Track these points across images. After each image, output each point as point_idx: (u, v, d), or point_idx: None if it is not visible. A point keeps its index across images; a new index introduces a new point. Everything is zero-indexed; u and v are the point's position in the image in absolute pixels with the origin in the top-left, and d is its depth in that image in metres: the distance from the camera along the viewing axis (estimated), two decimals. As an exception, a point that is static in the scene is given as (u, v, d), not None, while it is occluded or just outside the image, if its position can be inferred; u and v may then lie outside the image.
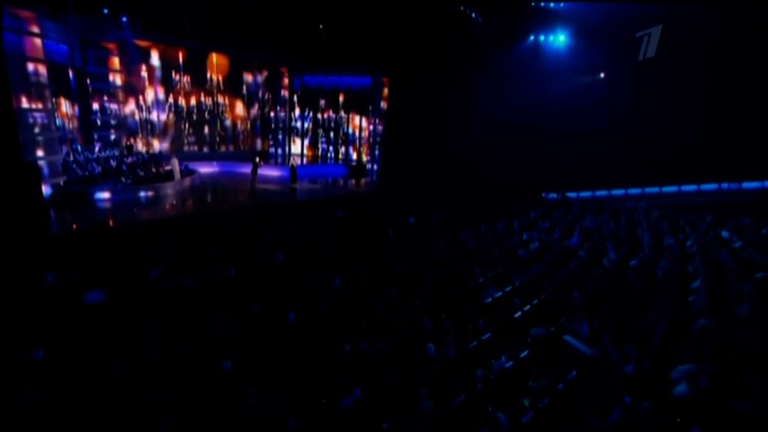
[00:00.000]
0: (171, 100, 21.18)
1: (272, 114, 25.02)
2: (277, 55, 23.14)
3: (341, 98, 24.26)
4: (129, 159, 17.11)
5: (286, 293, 7.39)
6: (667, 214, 15.01)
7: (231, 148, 23.97)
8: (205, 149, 22.93)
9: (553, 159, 18.42)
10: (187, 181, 16.96)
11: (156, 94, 20.67)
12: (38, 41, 13.02)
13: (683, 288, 7.79)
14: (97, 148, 17.67)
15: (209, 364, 5.16)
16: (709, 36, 16.04)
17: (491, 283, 8.07)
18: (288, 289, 7.58)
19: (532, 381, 5.06)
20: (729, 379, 4.65)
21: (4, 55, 10.18)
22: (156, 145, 20.89)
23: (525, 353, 5.52)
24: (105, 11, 17.33)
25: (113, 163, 16.33)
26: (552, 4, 18.66)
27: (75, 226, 11.42)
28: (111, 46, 18.65)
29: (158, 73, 20.53)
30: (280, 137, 25.45)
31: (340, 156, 24.81)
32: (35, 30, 12.86)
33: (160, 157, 18.33)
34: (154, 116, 20.80)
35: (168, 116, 21.26)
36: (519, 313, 6.76)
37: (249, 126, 24.65)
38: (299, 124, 25.08)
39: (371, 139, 24.10)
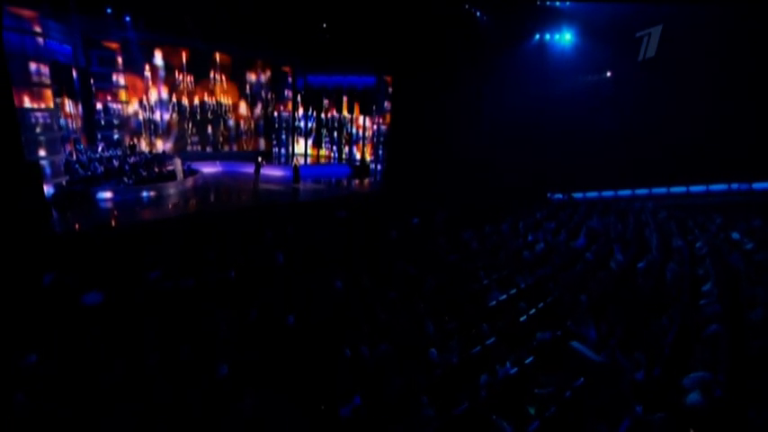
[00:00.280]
0: (174, 99, 21.14)
1: (275, 114, 24.95)
2: (280, 54, 23.07)
3: (344, 98, 24.14)
4: (132, 159, 17.07)
5: (286, 295, 7.26)
6: (675, 215, 14.76)
7: (234, 147, 23.92)
8: (208, 149, 22.89)
9: (559, 159, 18.18)
10: (189, 181, 16.90)
11: (159, 93, 20.64)
12: (40, 41, 12.97)
13: (694, 292, 7.59)
14: (100, 148, 17.66)
15: (205, 368, 5.03)
16: (716, 35, 15.76)
17: (496, 286, 7.90)
18: (288, 291, 7.45)
19: (538, 388, 4.89)
20: (745, 388, 4.46)
21: (5, 54, 10.14)
22: (160, 145, 20.87)
23: (531, 359, 5.35)
24: (108, 10, 17.29)
25: (116, 163, 16.30)
26: (558, 3, 18.43)
27: (77, 226, 11.38)
28: (115, 46, 18.62)
29: (162, 73, 20.49)
30: (283, 137, 25.38)
31: (344, 156, 24.68)
32: (37, 29, 12.80)
33: (163, 157, 18.29)
34: (157, 116, 20.77)
35: (171, 116, 21.23)
36: (524, 317, 6.59)
37: (252, 126, 24.59)
38: (302, 124, 24.99)
39: (375, 139, 23.96)
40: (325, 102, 24.50)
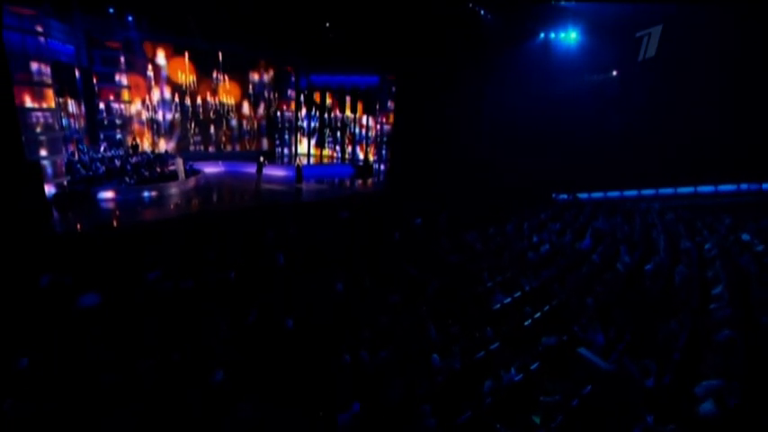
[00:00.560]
0: (177, 99, 21.09)
1: (278, 114, 24.85)
2: (283, 54, 22.96)
3: (348, 97, 24.01)
4: (134, 159, 17.01)
5: (286, 298, 7.14)
6: (683, 216, 14.52)
7: (237, 147, 23.85)
8: (211, 149, 22.82)
9: (563, 159, 17.96)
10: (191, 181, 16.83)
11: (162, 93, 20.59)
12: (41, 40, 12.91)
13: (704, 295, 7.39)
14: (102, 148, 17.62)
15: (200, 373, 4.89)
16: (722, 34, 15.50)
17: (500, 288, 7.73)
18: (288, 293, 7.32)
19: (544, 395, 4.73)
20: (761, 397, 4.28)
21: (5, 54, 10.07)
22: (162, 145, 20.82)
23: (536, 365, 5.19)
24: (111, 10, 17.26)
25: (118, 163, 16.24)
26: (563, 2, 18.20)
27: (79, 226, 11.31)
28: (118, 45, 18.58)
29: (164, 72, 20.44)
30: (286, 136, 25.28)
31: (347, 156, 24.56)
32: (38, 28, 12.76)
33: (165, 157, 18.23)
34: (159, 116, 20.72)
35: (174, 116, 21.18)
36: (529, 321, 6.43)
37: (255, 126, 24.51)
38: (305, 124, 24.89)
39: (378, 139, 23.81)
40: (329, 101, 24.38)
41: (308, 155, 24.92)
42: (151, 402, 4.59)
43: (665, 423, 3.88)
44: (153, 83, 20.21)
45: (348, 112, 24.12)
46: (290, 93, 24.85)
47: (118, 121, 19.40)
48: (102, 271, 8.05)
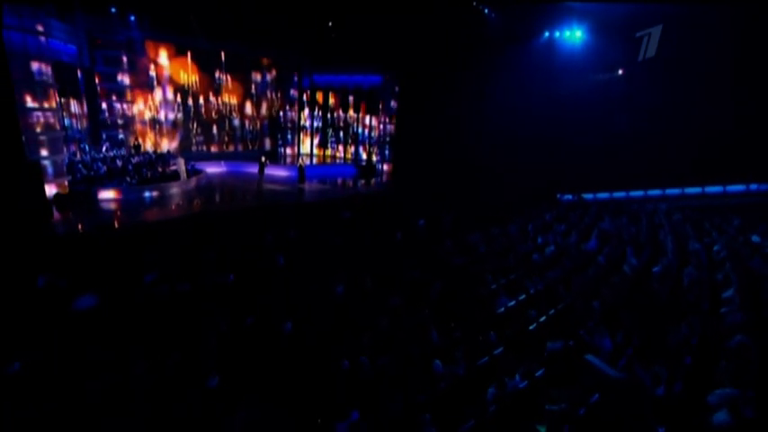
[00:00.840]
0: (179, 99, 21.03)
1: (280, 114, 24.76)
2: (286, 54, 22.88)
3: (350, 97, 23.89)
4: (136, 159, 16.96)
5: (285, 301, 6.99)
6: (690, 217, 14.27)
7: (240, 147, 23.78)
8: (213, 149, 22.76)
9: (568, 159, 17.73)
10: (193, 181, 16.76)
11: (164, 93, 20.54)
12: (42, 40, 12.87)
13: (714, 298, 7.19)
14: (104, 148, 17.58)
15: (195, 379, 4.77)
16: (732, 34, 15.25)
17: (504, 291, 7.56)
18: (287, 296, 7.18)
19: (549, 403, 4.55)
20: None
21: (5, 53, 10.02)
22: (165, 145, 20.77)
23: (541, 371, 5.02)
24: (113, 10, 17.22)
25: (119, 163, 16.19)
26: (568, 0, 17.97)
27: (80, 227, 11.25)
28: (120, 45, 18.52)
29: (166, 72, 20.39)
30: (289, 136, 25.19)
31: (349, 155, 24.44)
32: (39, 28, 12.71)
33: (167, 157, 18.17)
34: (162, 115, 20.67)
35: (176, 116, 21.12)
36: (534, 325, 6.26)
37: (258, 125, 24.44)
38: (308, 123, 24.79)
39: (381, 139, 23.68)
40: (332, 101, 24.27)
41: (311, 155, 24.83)
42: (146, 405, 4.47)
43: (678, 434, 3.71)
44: (155, 83, 20.16)
45: (351, 112, 24.00)
46: (293, 92, 24.76)
47: (120, 122, 19.36)
48: (100, 272, 7.95)
